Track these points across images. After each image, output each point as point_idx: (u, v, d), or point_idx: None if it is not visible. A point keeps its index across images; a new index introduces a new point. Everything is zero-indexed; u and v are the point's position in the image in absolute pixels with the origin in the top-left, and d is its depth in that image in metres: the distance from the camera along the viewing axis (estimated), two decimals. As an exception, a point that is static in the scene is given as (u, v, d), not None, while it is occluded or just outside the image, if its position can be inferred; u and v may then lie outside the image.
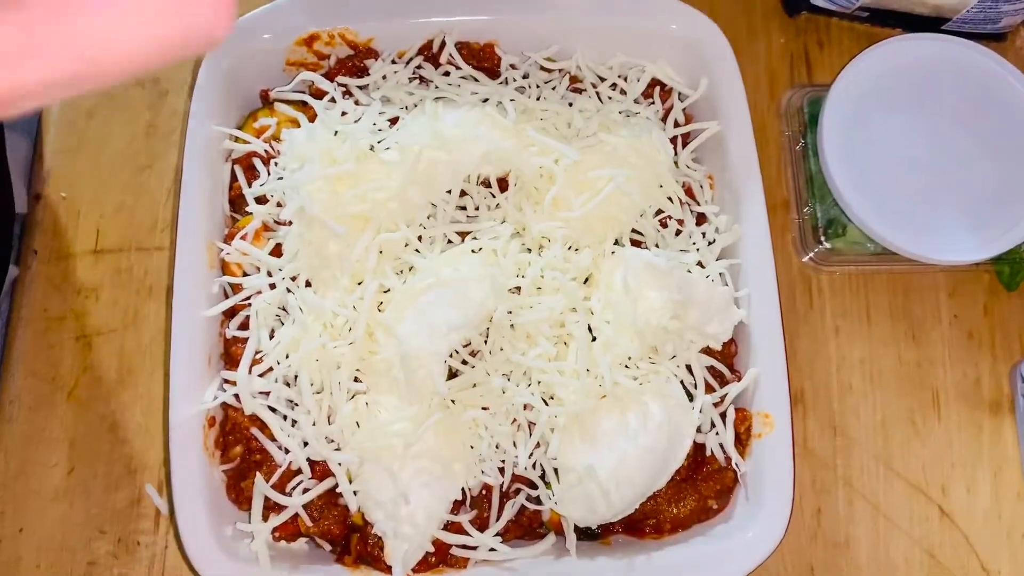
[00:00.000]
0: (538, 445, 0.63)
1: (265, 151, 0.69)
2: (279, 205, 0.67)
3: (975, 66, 0.76)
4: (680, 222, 0.70)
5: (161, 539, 0.69)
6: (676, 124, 0.73)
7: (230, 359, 0.65)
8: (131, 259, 0.75)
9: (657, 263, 0.65)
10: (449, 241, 0.67)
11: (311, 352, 0.62)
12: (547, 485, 0.63)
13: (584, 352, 0.63)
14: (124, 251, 0.75)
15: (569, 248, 0.67)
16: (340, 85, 0.71)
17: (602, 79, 0.74)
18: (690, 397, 0.65)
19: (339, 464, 0.62)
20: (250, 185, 0.68)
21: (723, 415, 0.65)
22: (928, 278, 0.78)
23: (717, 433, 0.65)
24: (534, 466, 0.63)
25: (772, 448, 0.64)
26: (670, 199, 0.70)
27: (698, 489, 0.65)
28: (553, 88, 0.73)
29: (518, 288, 0.65)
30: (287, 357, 0.63)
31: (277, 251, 0.67)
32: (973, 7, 0.77)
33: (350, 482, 0.62)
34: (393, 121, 0.69)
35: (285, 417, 0.63)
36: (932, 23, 0.81)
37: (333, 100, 0.70)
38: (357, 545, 0.62)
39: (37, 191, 0.76)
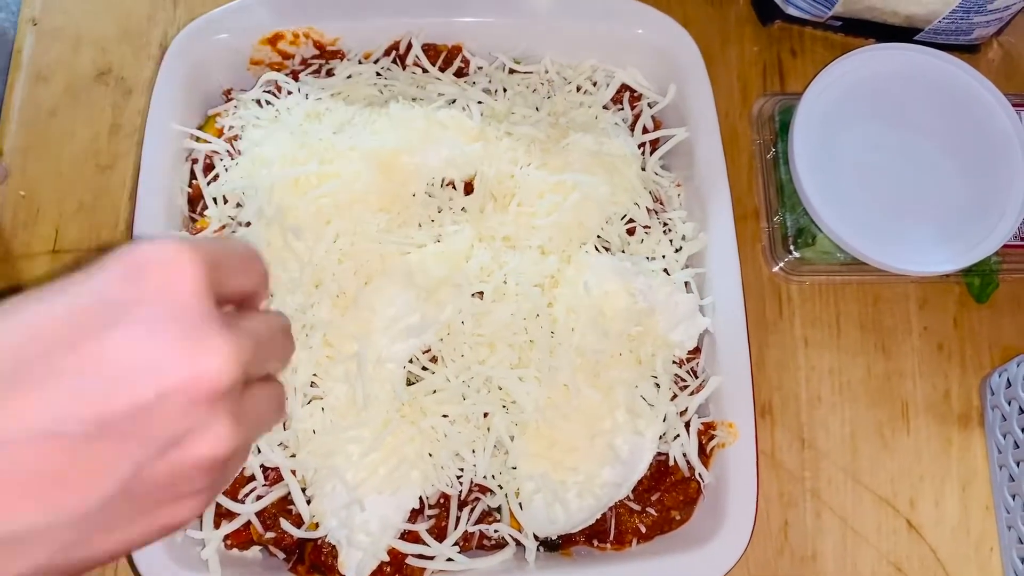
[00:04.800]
0: (497, 453, 0.62)
1: (227, 151, 0.68)
2: (239, 206, 0.66)
3: (947, 77, 0.76)
4: (647, 229, 0.69)
5: (113, 546, 0.67)
6: (644, 130, 0.73)
7: (185, 363, 0.64)
8: (90, 259, 0.73)
9: (622, 269, 0.64)
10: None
11: (267, 356, 0.61)
12: (506, 495, 0.62)
13: (546, 359, 0.61)
14: (83, 251, 0.74)
15: (534, 253, 0.66)
16: (305, 85, 0.70)
17: (569, 82, 0.73)
18: (653, 406, 0.64)
19: (292, 472, 0.60)
20: (209, 186, 0.67)
21: (687, 424, 0.64)
22: (899, 289, 0.78)
23: (681, 443, 0.64)
24: (494, 475, 0.62)
25: (736, 458, 0.63)
26: (637, 205, 0.69)
27: (661, 500, 0.64)
28: (522, 91, 0.72)
29: (480, 293, 0.63)
30: (243, 361, 0.61)
31: (236, 253, 0.65)
32: (945, 18, 0.77)
33: (304, 489, 0.60)
34: (357, 122, 0.68)
35: (239, 422, 0.61)
36: (905, 33, 0.81)
37: (297, 100, 0.69)
38: (311, 554, 0.60)
39: (-5, 190, 0.75)
